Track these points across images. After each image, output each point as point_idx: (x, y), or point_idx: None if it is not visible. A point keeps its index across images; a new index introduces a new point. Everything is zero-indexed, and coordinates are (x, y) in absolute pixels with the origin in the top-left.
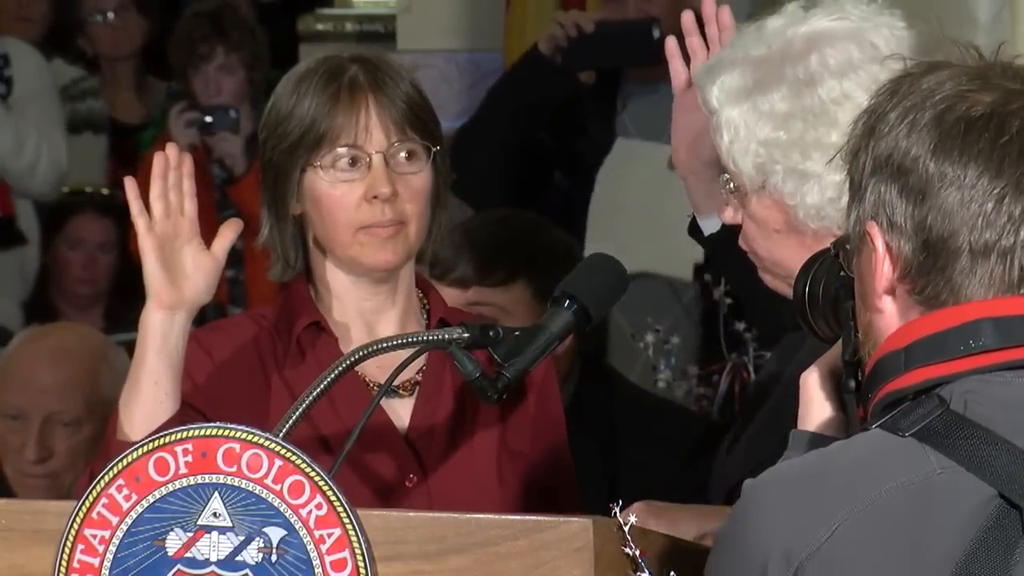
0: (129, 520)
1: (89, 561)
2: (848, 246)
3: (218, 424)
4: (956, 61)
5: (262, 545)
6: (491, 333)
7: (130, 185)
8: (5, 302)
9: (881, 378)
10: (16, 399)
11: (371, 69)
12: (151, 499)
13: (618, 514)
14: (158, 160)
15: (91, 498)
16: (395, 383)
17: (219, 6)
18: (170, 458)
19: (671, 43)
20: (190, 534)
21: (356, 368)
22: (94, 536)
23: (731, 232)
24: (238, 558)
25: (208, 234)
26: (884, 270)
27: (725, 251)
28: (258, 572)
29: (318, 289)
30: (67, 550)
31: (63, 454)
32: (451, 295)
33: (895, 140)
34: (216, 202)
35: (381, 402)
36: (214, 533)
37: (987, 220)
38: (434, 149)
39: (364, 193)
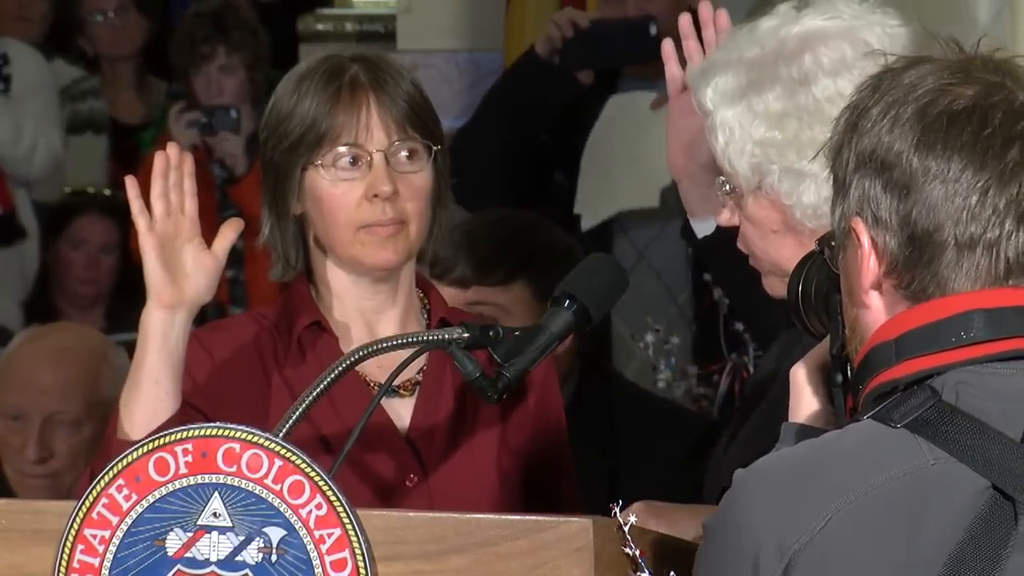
0: (129, 520)
1: (89, 561)
2: (833, 243)
3: (218, 424)
4: (938, 55)
5: (262, 545)
6: (491, 333)
7: (131, 184)
8: (5, 301)
9: (872, 369)
10: (17, 399)
11: (372, 68)
12: (151, 499)
13: (618, 514)
14: (159, 159)
15: (91, 498)
16: (395, 383)
17: (221, 6)
18: (170, 458)
19: (667, 46)
20: (190, 534)
21: (356, 368)
22: (94, 536)
23: (724, 235)
24: (238, 558)
25: (209, 234)
26: (870, 265)
27: (717, 254)
28: (258, 572)
29: (319, 289)
30: (67, 550)
31: (63, 454)
32: (451, 295)
33: (878, 135)
34: (217, 202)
35: (381, 402)
36: (214, 533)
37: (972, 213)
38: (435, 148)
39: (365, 192)
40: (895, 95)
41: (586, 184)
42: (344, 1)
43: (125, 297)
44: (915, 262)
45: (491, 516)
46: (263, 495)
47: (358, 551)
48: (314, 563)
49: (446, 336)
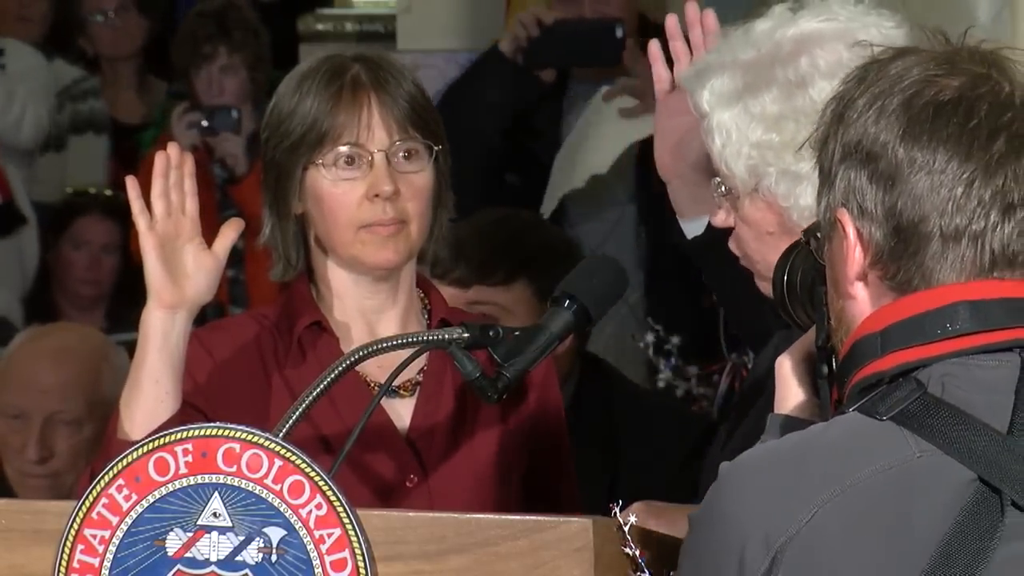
0: (129, 520)
1: (89, 561)
2: (819, 234)
3: (218, 424)
4: (924, 47)
5: (262, 545)
6: (491, 333)
7: (131, 184)
8: (5, 293)
9: (857, 361)
10: (17, 399)
11: (373, 68)
12: (151, 499)
13: (618, 514)
14: (159, 159)
15: (91, 498)
16: (396, 383)
17: (224, 6)
18: (170, 458)
19: (654, 46)
20: (190, 534)
21: (356, 368)
22: (94, 536)
23: (714, 236)
24: (238, 558)
25: (209, 234)
26: (855, 256)
27: (707, 255)
28: (258, 572)
29: (319, 288)
30: (67, 550)
31: (64, 454)
32: (452, 295)
33: (864, 126)
34: (217, 202)
35: (382, 402)
36: (214, 533)
37: (957, 205)
38: (436, 148)
39: (366, 191)
40: (881, 86)
41: (559, 187)
42: (344, 1)
43: (126, 297)
44: (900, 253)
45: (491, 516)
46: (263, 495)
47: (358, 551)
48: (314, 563)
49: (446, 336)
